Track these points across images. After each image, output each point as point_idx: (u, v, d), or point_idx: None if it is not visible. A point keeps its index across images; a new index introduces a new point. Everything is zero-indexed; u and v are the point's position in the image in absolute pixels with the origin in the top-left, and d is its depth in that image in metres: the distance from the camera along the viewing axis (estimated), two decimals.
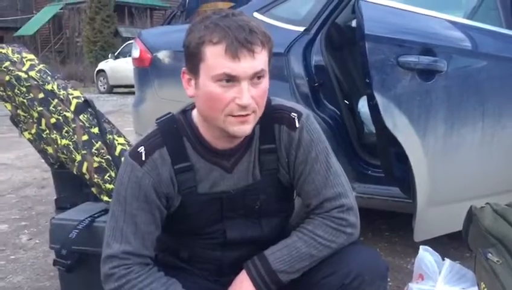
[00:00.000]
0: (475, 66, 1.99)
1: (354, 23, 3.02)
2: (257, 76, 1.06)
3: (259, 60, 1.05)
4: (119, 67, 14.45)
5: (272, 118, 1.19)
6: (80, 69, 20.23)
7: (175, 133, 1.16)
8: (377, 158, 2.40)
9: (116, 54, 15.63)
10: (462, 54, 1.96)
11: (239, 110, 1.05)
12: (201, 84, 1.07)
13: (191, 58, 1.08)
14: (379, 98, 1.82)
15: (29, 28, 24.56)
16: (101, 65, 15.99)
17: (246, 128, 1.09)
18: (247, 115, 1.06)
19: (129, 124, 3.80)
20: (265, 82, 1.09)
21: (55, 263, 1.77)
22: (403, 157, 1.89)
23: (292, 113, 1.19)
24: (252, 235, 1.22)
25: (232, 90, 1.04)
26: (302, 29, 2.53)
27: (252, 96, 1.05)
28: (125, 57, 14.16)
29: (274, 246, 1.17)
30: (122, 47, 16.13)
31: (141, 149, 1.14)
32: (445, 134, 1.90)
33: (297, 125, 1.18)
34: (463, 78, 1.94)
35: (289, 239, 1.17)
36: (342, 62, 2.93)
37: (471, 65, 1.98)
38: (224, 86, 1.04)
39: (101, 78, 15.72)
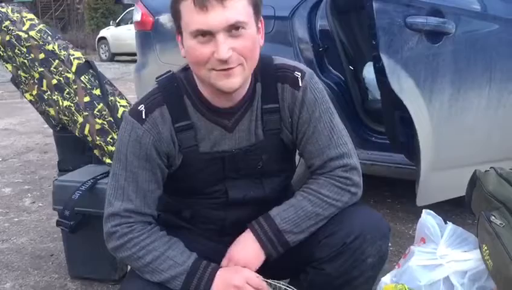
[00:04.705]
0: (484, 29, 1.94)
1: None
2: (235, 27, 1.02)
3: (233, 10, 1.00)
4: (121, 35, 14.30)
5: (275, 77, 1.17)
6: (81, 37, 19.97)
7: (175, 92, 1.15)
8: (381, 125, 2.38)
9: (117, 21, 15.43)
10: (471, 16, 1.91)
11: (219, 64, 1.03)
12: (185, 43, 1.06)
13: (174, 18, 1.07)
14: (385, 60, 1.78)
15: None
16: (103, 32, 15.82)
17: (233, 82, 1.06)
18: (230, 68, 1.03)
19: (131, 91, 3.78)
20: (249, 33, 1.04)
21: (58, 223, 1.77)
22: (407, 122, 1.87)
23: (296, 72, 1.17)
24: (254, 195, 1.21)
25: (210, 44, 1.02)
26: None
27: (233, 48, 1.02)
28: (127, 24, 13.99)
29: (279, 207, 1.16)
30: (123, 14, 15.92)
31: (141, 107, 1.13)
32: (451, 98, 1.87)
33: (300, 84, 1.16)
34: (471, 41, 1.89)
35: (293, 199, 1.16)
36: (348, 27, 2.87)
37: (480, 28, 1.94)
38: (201, 41, 1.02)
39: (103, 46, 15.57)
